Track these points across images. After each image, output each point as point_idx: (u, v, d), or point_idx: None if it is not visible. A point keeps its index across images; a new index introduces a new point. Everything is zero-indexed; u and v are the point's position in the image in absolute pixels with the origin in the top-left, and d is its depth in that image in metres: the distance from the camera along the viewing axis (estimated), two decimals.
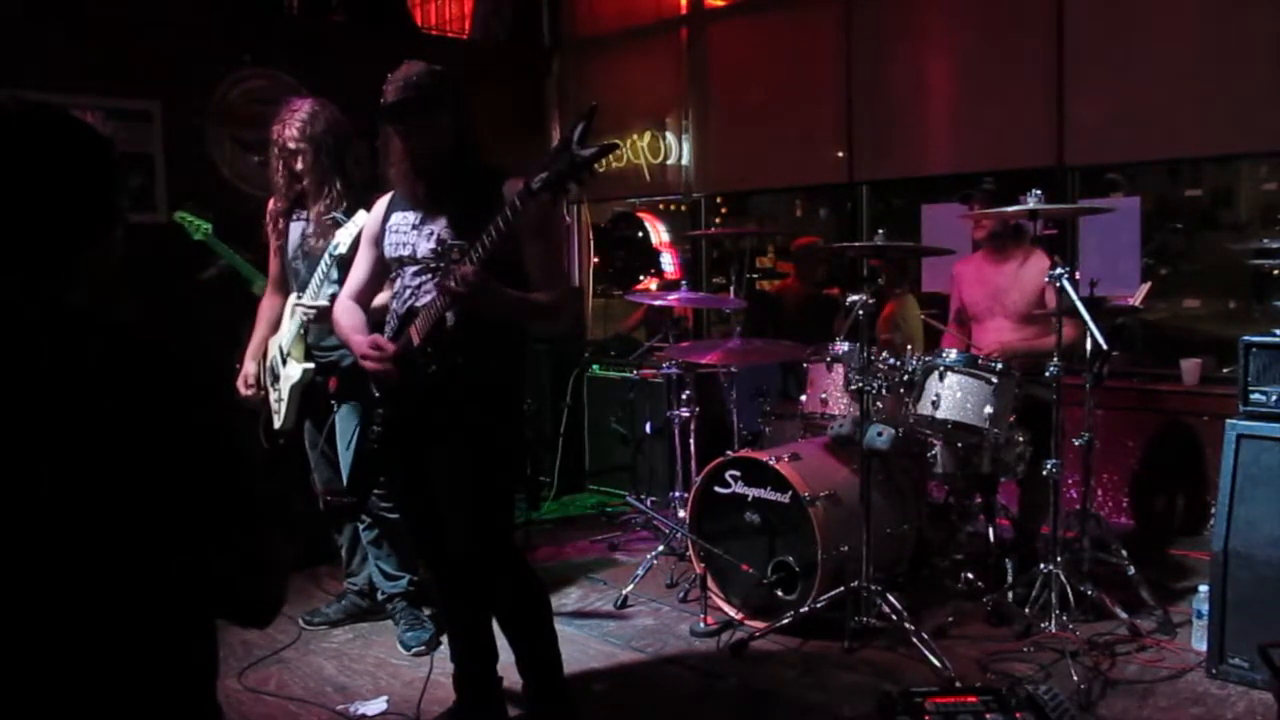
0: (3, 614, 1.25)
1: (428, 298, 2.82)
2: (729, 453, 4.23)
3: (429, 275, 2.86)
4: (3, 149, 1.32)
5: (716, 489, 4.16)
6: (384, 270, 3.05)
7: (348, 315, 3.06)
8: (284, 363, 3.86)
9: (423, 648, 3.81)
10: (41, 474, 1.24)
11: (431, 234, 2.86)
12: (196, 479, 1.32)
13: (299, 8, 6.46)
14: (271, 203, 3.90)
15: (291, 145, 3.68)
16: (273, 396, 3.93)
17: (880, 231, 4.00)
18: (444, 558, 3.08)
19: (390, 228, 2.96)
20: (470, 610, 3.13)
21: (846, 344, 4.21)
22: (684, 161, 6.82)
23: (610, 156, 6.82)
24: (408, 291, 2.91)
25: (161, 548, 1.31)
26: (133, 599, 1.31)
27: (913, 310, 5.60)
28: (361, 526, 3.99)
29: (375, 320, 3.15)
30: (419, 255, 2.88)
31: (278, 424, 3.90)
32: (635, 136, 6.87)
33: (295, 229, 3.86)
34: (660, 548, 4.60)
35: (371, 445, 2.93)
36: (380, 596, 4.02)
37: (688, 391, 4.82)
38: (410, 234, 2.91)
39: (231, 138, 5.78)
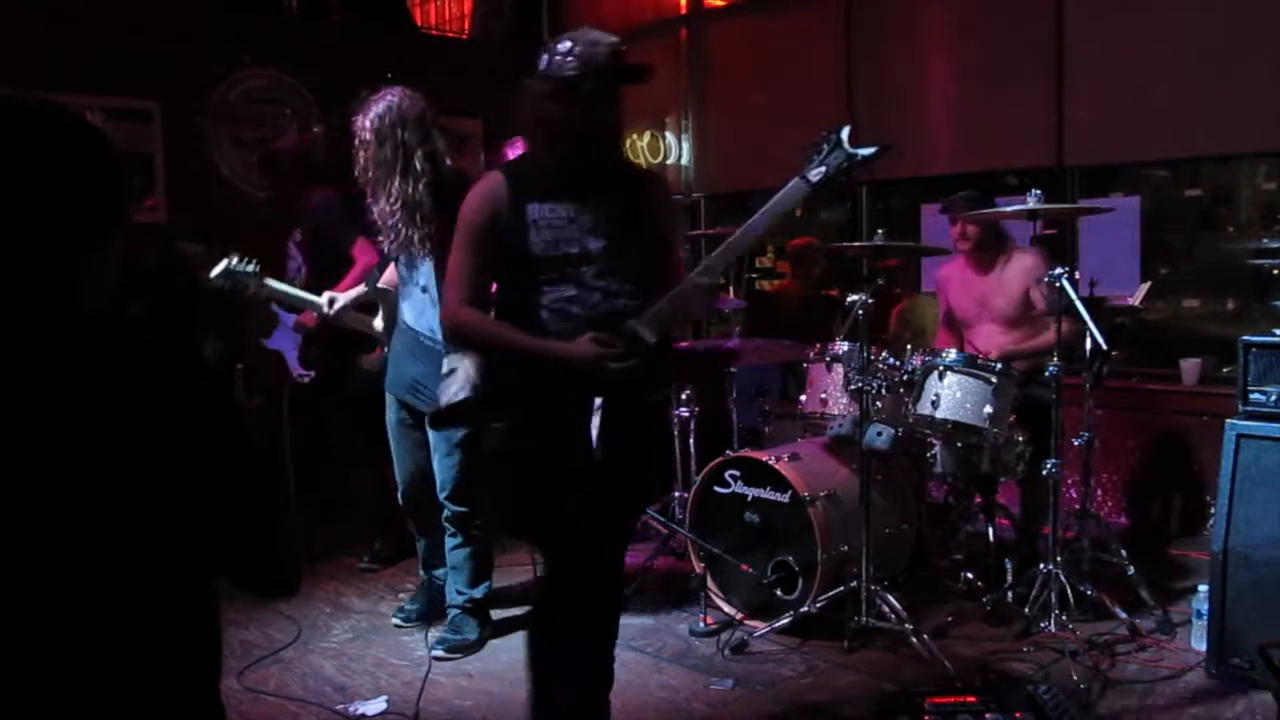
0: (21, 609, 1.25)
1: (620, 302, 2.57)
2: (729, 452, 4.23)
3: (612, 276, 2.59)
4: (12, 147, 1.30)
5: (716, 489, 4.16)
6: (496, 270, 2.66)
7: (505, 324, 2.62)
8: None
9: (457, 655, 3.72)
10: (57, 473, 1.24)
11: (597, 228, 2.56)
12: (216, 469, 1.34)
13: (299, 8, 6.47)
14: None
15: (365, 135, 3.58)
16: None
17: (880, 231, 4.00)
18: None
19: (534, 222, 2.54)
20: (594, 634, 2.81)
21: (846, 344, 4.21)
22: (684, 161, 6.82)
23: None
24: (595, 295, 2.56)
25: (179, 539, 1.33)
26: (149, 592, 1.32)
27: (924, 307, 5.59)
28: (448, 537, 3.81)
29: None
30: (593, 252, 2.55)
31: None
32: (635, 136, 6.86)
33: None
34: (660, 547, 4.61)
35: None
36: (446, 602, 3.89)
37: (687, 391, 4.82)
38: (569, 228, 2.55)
39: (231, 138, 5.78)
